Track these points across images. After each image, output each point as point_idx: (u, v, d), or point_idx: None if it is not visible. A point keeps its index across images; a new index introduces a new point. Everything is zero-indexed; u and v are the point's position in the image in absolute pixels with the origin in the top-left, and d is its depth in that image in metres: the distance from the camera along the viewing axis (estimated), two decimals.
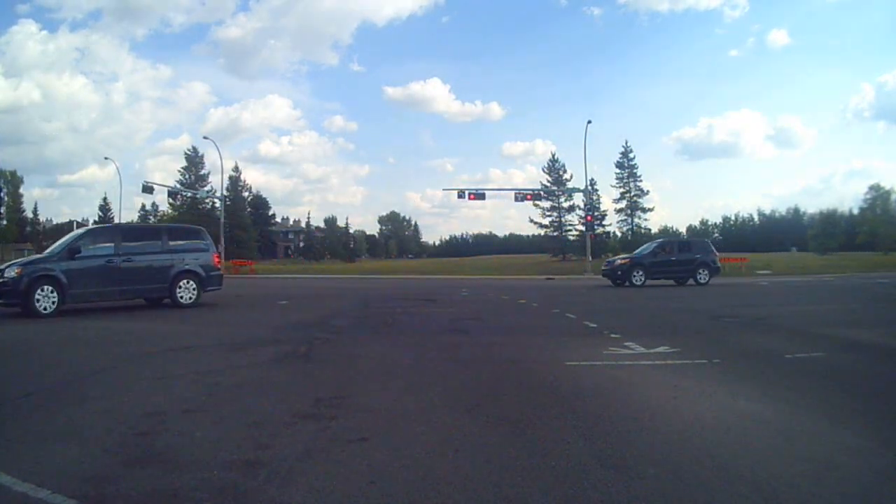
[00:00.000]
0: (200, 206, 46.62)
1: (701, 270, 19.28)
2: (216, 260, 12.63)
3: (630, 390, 4.34)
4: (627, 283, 18.57)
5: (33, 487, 2.50)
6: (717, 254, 20.87)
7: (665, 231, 77.71)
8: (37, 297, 9.48)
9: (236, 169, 56.03)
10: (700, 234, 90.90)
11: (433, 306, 12.25)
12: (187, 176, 45.93)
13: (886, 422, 3.58)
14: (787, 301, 13.61)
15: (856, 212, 61.52)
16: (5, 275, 9.60)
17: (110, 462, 2.84)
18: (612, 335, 7.17)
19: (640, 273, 18.50)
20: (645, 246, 22.20)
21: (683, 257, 19.60)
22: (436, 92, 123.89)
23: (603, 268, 20.74)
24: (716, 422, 3.52)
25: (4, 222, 61.79)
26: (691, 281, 19.31)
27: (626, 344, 6.40)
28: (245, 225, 50.39)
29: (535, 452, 2.94)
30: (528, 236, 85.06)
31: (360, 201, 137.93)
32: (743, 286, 19.49)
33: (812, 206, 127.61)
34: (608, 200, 55.59)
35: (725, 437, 3.22)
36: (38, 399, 4.14)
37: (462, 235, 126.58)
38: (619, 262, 19.91)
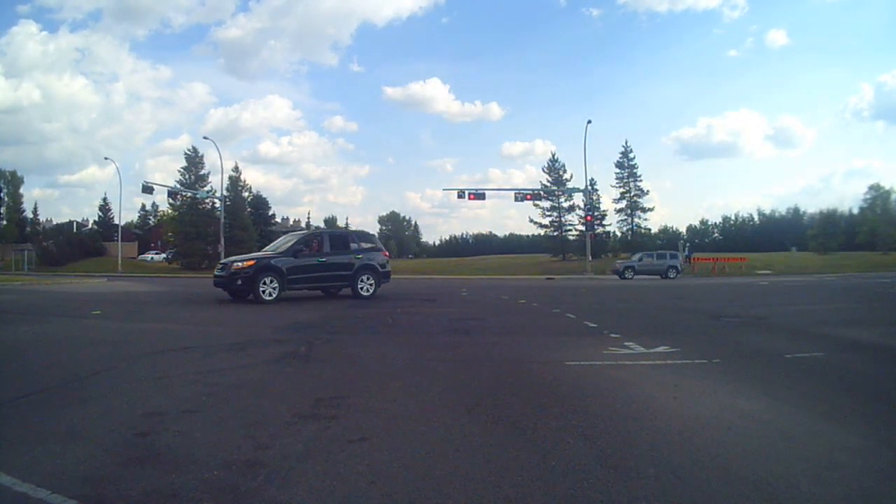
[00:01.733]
0: (200, 206, 46.61)
1: (364, 277, 13.65)
2: None
3: (630, 390, 4.33)
4: (251, 297, 12.30)
5: (33, 487, 2.49)
6: (387, 253, 14.99)
7: (665, 231, 77.39)
8: None
9: (236, 169, 55.72)
10: (700, 234, 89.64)
11: (433, 306, 12.25)
12: (187, 176, 45.87)
13: (886, 422, 3.57)
14: (787, 301, 13.62)
15: (856, 212, 61.72)
16: None
17: (110, 462, 2.83)
18: (612, 335, 7.17)
19: (272, 281, 12.41)
20: (280, 240, 14.94)
21: (338, 258, 13.53)
22: (436, 92, 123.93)
23: (215, 274, 13.53)
24: (716, 421, 3.52)
25: (4, 222, 61.77)
26: (347, 291, 13.75)
27: (626, 344, 6.40)
28: (245, 225, 50.24)
29: (535, 452, 2.94)
30: (528, 236, 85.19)
31: (360, 201, 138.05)
32: (743, 286, 19.50)
33: (812, 205, 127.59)
34: (608, 200, 55.56)
35: (726, 437, 3.22)
36: (38, 399, 4.13)
37: (462, 235, 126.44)
38: (238, 265, 12.84)
